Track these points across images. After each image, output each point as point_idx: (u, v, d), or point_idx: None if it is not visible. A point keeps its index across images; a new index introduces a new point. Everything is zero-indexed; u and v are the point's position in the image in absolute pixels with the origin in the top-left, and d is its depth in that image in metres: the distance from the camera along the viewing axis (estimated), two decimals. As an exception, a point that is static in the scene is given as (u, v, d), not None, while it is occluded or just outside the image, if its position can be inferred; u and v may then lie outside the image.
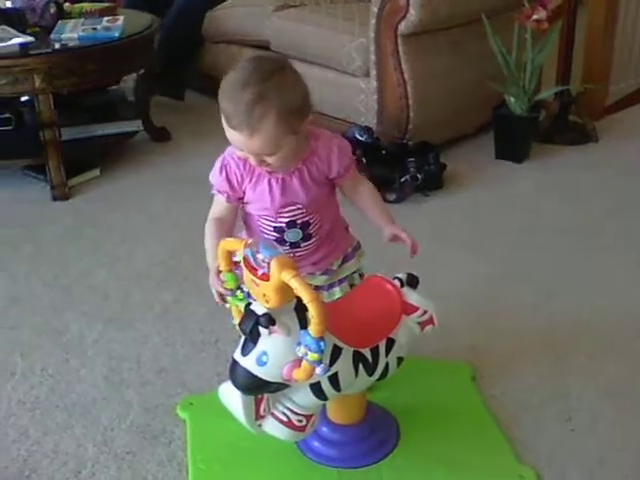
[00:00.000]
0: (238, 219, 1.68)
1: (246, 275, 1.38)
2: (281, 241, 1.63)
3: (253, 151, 1.48)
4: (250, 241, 1.39)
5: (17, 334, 2.18)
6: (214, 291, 1.53)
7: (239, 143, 1.47)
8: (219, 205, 1.62)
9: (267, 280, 1.32)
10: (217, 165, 1.60)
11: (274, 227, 1.62)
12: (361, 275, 1.77)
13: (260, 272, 1.34)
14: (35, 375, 2.01)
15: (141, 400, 1.91)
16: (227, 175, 1.58)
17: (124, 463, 1.72)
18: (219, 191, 1.60)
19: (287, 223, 1.61)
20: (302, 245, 1.64)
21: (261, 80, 1.44)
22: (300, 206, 1.59)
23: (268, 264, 1.32)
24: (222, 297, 1.51)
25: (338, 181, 1.64)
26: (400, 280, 1.66)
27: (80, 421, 1.85)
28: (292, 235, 1.62)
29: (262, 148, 1.47)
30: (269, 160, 1.50)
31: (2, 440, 1.79)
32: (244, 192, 1.59)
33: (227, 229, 1.61)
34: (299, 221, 1.61)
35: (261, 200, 1.59)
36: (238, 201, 1.61)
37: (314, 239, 1.64)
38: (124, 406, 1.89)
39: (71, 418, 1.86)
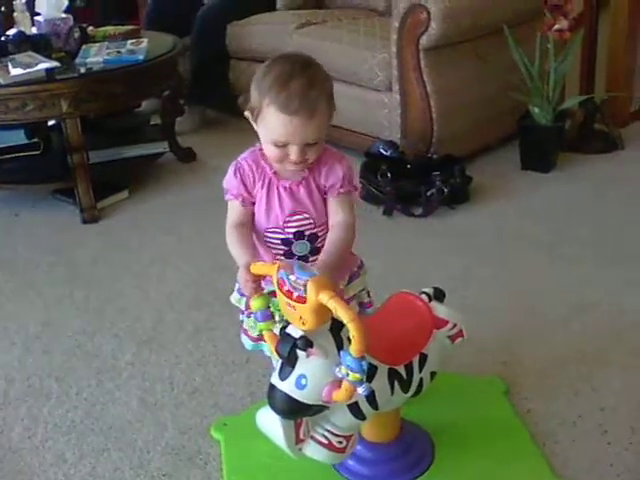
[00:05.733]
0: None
1: (281, 298, 1.38)
2: (289, 255, 1.62)
3: (306, 138, 1.49)
4: (283, 264, 1.39)
5: (50, 358, 2.21)
6: (242, 286, 1.50)
7: (293, 131, 1.48)
8: (235, 211, 1.63)
9: (303, 302, 1.33)
10: (230, 170, 1.62)
11: (282, 239, 1.61)
12: (367, 293, 1.74)
13: (295, 295, 1.34)
14: (70, 399, 2.03)
15: (175, 421, 1.92)
16: (242, 178, 1.60)
17: (161, 485, 1.73)
18: (234, 195, 1.61)
19: (294, 234, 1.61)
20: (310, 259, 1.62)
21: (305, 68, 1.50)
22: (307, 216, 1.60)
23: (304, 286, 1.32)
24: (254, 289, 1.48)
25: (327, 197, 1.62)
26: (427, 294, 1.66)
27: (116, 444, 1.86)
28: (300, 248, 1.61)
29: (317, 132, 1.50)
30: (310, 154, 1.52)
31: (40, 464, 1.81)
32: (254, 197, 1.61)
33: (247, 232, 1.61)
34: (307, 232, 1.61)
35: (270, 206, 1.59)
36: (252, 206, 1.62)
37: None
38: (159, 428, 1.90)
39: (107, 441, 1.87)
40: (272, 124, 1.49)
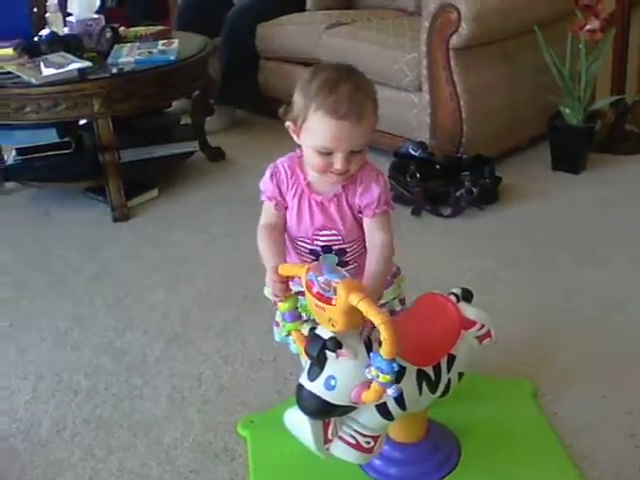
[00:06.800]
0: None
1: (309, 300, 1.38)
2: None
3: (353, 144, 1.47)
4: (312, 265, 1.39)
5: (80, 354, 2.23)
6: (271, 290, 1.51)
7: (340, 136, 1.45)
8: (269, 212, 1.62)
9: (332, 304, 1.32)
10: (267, 172, 1.61)
11: (310, 250, 1.62)
12: (401, 301, 1.73)
13: (325, 296, 1.34)
14: (99, 394, 2.05)
15: (202, 418, 1.93)
16: (277, 182, 1.59)
17: (187, 481, 1.75)
18: (269, 198, 1.61)
19: (322, 247, 1.60)
20: None
21: (350, 75, 1.49)
22: (336, 232, 1.58)
23: (334, 288, 1.32)
24: (282, 290, 1.49)
25: (361, 216, 1.59)
26: (456, 295, 1.66)
27: (143, 440, 1.88)
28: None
29: (363, 138, 1.48)
30: (353, 164, 1.50)
31: (69, 458, 1.83)
32: (287, 203, 1.60)
33: (278, 235, 1.61)
34: (335, 247, 1.60)
35: (301, 217, 1.59)
36: (285, 210, 1.61)
37: (351, 266, 1.62)
38: (186, 424, 1.92)
39: (135, 437, 1.89)
40: (318, 130, 1.47)
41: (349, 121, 1.44)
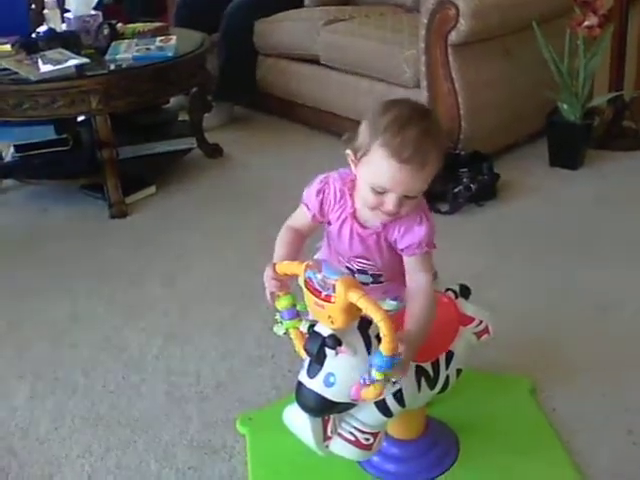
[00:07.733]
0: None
1: (308, 298, 1.38)
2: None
3: (409, 189, 1.42)
4: (311, 263, 1.39)
5: (78, 352, 2.22)
6: (266, 282, 1.49)
7: (398, 179, 1.40)
8: (300, 218, 1.60)
9: (331, 301, 1.32)
10: (316, 185, 1.56)
11: (345, 266, 1.61)
12: None
13: (324, 294, 1.33)
14: (96, 392, 2.05)
15: (201, 415, 1.93)
16: (322, 200, 1.55)
17: (186, 478, 1.74)
18: (307, 207, 1.57)
19: (358, 270, 1.59)
20: (371, 285, 1.60)
21: (423, 117, 1.43)
22: (373, 263, 1.57)
23: (333, 286, 1.31)
24: (277, 287, 1.48)
25: (402, 254, 1.55)
26: (453, 291, 1.66)
27: (142, 437, 1.88)
28: (362, 278, 1.59)
29: (421, 185, 1.43)
30: (404, 208, 1.45)
31: (67, 456, 1.83)
32: (329, 222, 1.57)
33: (297, 240, 1.60)
34: (370, 272, 1.59)
35: (341, 241, 1.57)
36: (319, 224, 1.59)
37: (385, 283, 1.61)
38: (184, 421, 1.92)
39: (133, 434, 1.89)
40: (378, 168, 1.41)
41: (411, 166, 1.39)
